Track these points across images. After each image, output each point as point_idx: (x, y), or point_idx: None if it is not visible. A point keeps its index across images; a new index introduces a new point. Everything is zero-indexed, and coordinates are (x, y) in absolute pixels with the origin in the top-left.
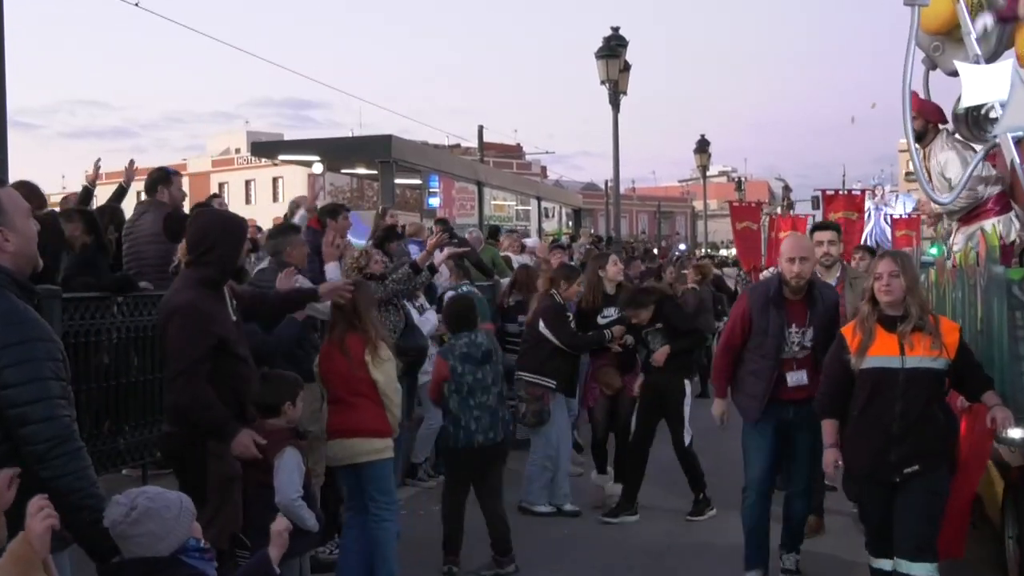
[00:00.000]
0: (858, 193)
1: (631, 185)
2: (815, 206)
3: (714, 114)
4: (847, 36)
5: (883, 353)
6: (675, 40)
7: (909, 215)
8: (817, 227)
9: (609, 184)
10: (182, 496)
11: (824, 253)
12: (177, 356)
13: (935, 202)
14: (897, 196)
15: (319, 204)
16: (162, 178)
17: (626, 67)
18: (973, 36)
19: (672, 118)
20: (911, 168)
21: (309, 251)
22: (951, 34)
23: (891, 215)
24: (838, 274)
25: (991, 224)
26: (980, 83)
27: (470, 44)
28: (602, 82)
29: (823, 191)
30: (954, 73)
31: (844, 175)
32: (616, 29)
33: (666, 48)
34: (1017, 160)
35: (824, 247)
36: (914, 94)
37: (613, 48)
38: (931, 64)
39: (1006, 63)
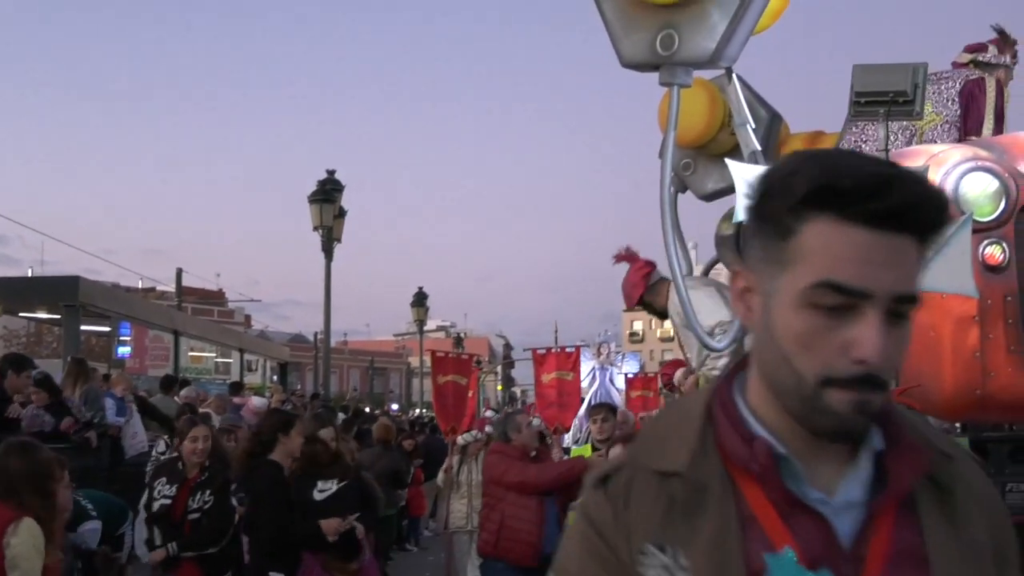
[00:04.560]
0: (571, 350)
1: (343, 338)
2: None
3: (434, 266)
4: (572, 190)
5: None
6: (393, 186)
7: (636, 375)
8: None
9: (319, 336)
10: None
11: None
12: None
13: (708, 347)
14: (623, 356)
15: None
16: None
17: (341, 213)
18: (750, 127)
19: (389, 268)
20: (635, 328)
21: None
22: (705, 148)
23: (626, 374)
24: None
25: None
26: None
27: (168, 177)
28: (315, 228)
29: (534, 350)
30: (708, 196)
31: (556, 331)
32: (332, 172)
33: (383, 194)
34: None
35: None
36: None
37: (328, 192)
38: (680, 186)
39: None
